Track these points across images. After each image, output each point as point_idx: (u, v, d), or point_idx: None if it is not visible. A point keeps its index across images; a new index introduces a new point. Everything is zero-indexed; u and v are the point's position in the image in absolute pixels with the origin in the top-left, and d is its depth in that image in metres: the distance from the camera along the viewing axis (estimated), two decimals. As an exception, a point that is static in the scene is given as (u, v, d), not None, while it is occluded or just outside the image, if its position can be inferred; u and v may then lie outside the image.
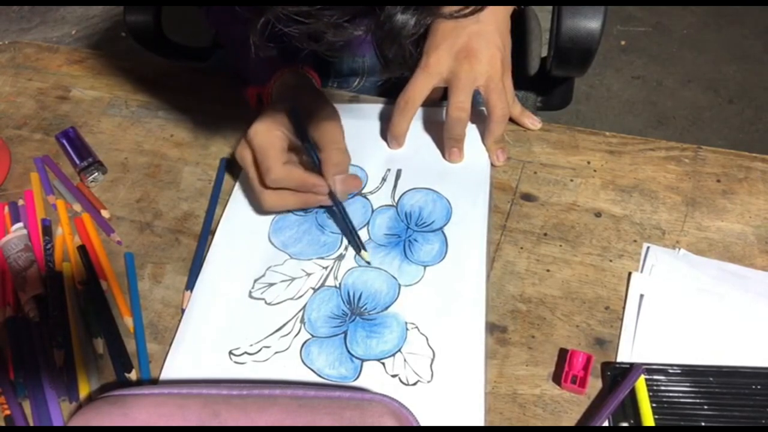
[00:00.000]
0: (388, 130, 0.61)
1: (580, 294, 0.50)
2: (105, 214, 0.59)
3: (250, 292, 0.53)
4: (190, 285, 0.54)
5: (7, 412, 0.47)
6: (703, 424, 0.43)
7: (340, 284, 0.53)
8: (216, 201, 0.59)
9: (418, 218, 0.56)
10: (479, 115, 0.61)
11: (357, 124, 0.61)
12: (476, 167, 0.59)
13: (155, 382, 0.49)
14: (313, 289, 0.53)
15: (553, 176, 0.58)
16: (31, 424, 0.47)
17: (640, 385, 0.44)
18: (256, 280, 0.53)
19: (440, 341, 0.48)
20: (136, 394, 0.42)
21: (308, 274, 0.54)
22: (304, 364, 0.48)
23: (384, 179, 0.59)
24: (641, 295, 0.49)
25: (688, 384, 0.44)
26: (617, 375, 0.45)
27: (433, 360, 0.48)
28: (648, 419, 0.43)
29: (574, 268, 0.52)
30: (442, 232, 0.55)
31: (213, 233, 0.57)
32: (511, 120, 0.61)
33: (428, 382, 0.47)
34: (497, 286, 0.51)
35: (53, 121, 0.69)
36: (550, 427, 0.44)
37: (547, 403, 0.45)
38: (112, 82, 0.73)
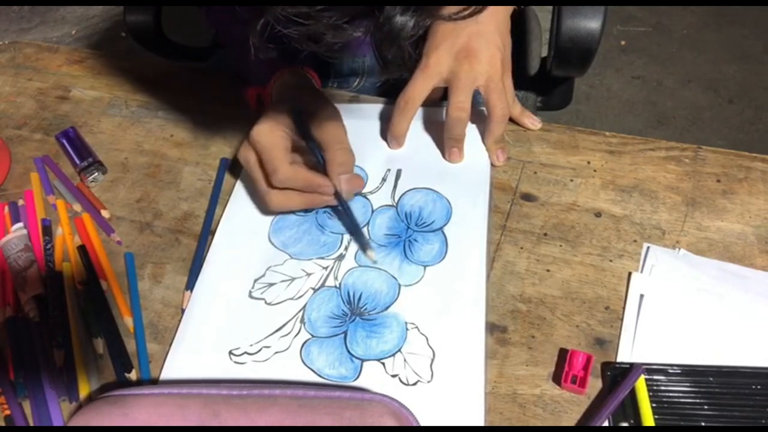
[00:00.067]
0: (388, 130, 0.61)
1: (580, 294, 0.50)
2: (105, 214, 0.59)
3: (250, 292, 0.53)
4: (190, 285, 0.54)
5: (7, 412, 0.47)
6: (703, 424, 0.43)
7: (340, 284, 0.53)
8: (216, 201, 0.59)
9: (418, 218, 0.56)
10: (479, 115, 0.61)
11: (357, 124, 0.61)
12: (476, 167, 0.59)
13: (155, 382, 0.49)
14: (313, 289, 0.53)
15: (553, 176, 0.58)
16: (31, 424, 0.47)
17: (640, 385, 0.44)
18: (256, 280, 0.53)
19: (440, 341, 0.48)
20: (136, 394, 0.42)
21: (308, 274, 0.54)
22: (304, 364, 0.49)
23: (384, 179, 0.59)
24: (641, 295, 0.49)
25: (688, 384, 0.44)
26: (617, 375, 0.45)
27: (433, 360, 0.48)
28: (648, 419, 0.43)
29: (574, 268, 0.52)
30: (442, 232, 0.55)
31: (213, 233, 0.57)
32: (511, 120, 0.61)
33: (428, 382, 0.47)
34: (497, 286, 0.52)
35: (53, 121, 0.69)
36: (550, 427, 0.44)
37: (547, 403, 0.45)
38: (112, 82, 0.73)
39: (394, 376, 0.47)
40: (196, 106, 0.68)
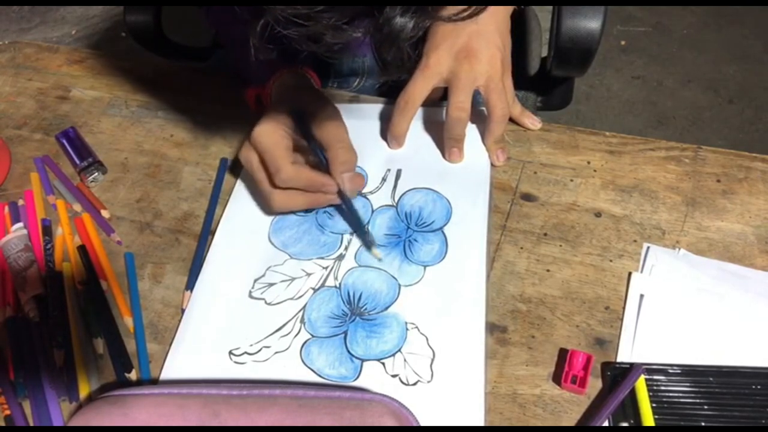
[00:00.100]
0: (388, 130, 0.61)
1: (580, 294, 0.50)
2: (105, 214, 0.59)
3: (250, 292, 0.53)
4: (190, 285, 0.54)
5: (7, 412, 0.47)
6: (703, 424, 0.43)
7: (340, 284, 0.53)
8: (216, 201, 0.59)
9: (418, 218, 0.56)
10: (479, 115, 0.61)
11: (357, 124, 0.61)
12: (476, 167, 0.59)
13: (155, 382, 0.49)
14: (313, 289, 0.53)
15: (553, 176, 0.58)
16: (31, 424, 0.47)
17: (640, 385, 0.44)
18: (256, 280, 0.53)
19: (440, 341, 0.48)
20: (136, 394, 0.42)
21: (308, 274, 0.54)
22: (304, 364, 0.49)
23: (384, 179, 0.59)
24: (641, 295, 0.49)
25: (688, 384, 0.44)
26: (617, 375, 0.45)
27: (433, 360, 0.48)
28: (648, 419, 0.43)
29: (574, 268, 0.52)
30: (442, 232, 0.55)
31: (213, 233, 0.57)
32: (511, 120, 0.61)
33: (428, 382, 0.47)
34: (497, 286, 0.52)
35: (53, 121, 0.69)
36: (550, 427, 0.44)
37: (547, 403, 0.45)
38: (112, 82, 0.73)
39: (394, 376, 0.47)
40: (196, 106, 0.68)
